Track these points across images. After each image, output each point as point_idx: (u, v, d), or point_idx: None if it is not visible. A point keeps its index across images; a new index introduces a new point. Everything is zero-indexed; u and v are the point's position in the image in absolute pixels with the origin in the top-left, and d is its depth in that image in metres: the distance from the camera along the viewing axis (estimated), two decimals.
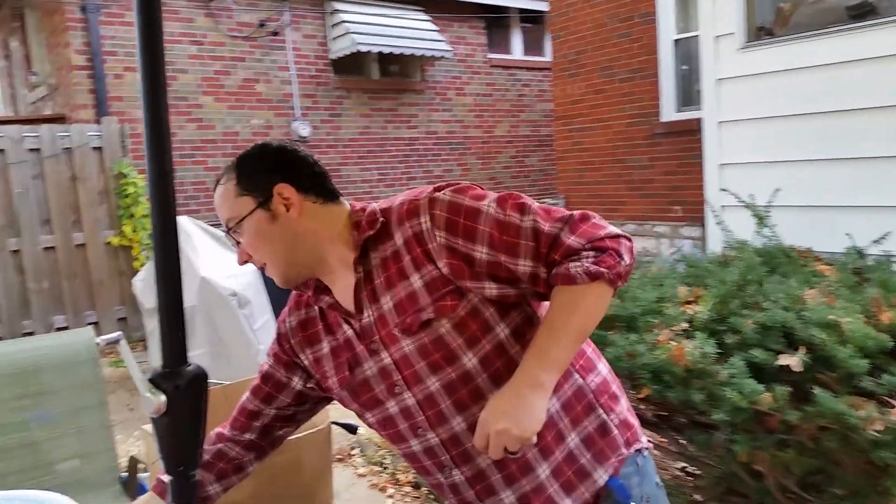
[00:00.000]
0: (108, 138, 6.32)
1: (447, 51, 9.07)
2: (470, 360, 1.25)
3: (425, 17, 9.13)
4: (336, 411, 1.63)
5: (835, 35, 3.82)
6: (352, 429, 2.01)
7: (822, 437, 1.98)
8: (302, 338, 1.42)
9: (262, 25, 8.11)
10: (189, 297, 4.20)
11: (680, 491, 2.94)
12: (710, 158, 4.37)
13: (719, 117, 4.28)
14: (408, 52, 8.66)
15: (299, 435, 1.89)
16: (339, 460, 3.57)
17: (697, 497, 2.63)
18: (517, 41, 10.50)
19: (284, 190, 1.30)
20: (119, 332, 1.30)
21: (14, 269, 5.91)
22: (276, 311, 4.48)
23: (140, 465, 2.49)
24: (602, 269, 1.17)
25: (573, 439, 1.30)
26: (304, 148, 1.38)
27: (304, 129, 8.32)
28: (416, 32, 8.88)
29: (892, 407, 1.89)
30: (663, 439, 2.82)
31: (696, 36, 5.22)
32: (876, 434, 1.84)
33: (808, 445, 2.03)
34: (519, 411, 1.13)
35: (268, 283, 4.60)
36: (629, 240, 1.23)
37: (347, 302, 1.33)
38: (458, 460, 1.30)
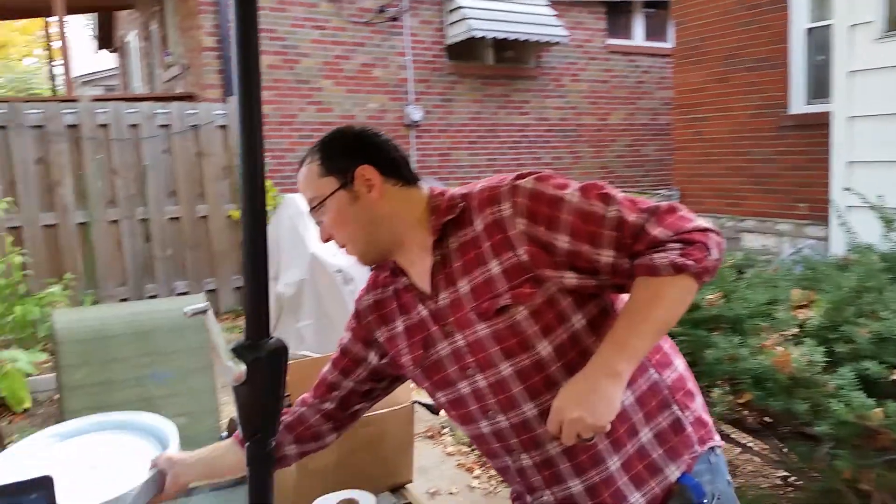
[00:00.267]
0: (233, 117, 6.64)
1: (564, 36, 8.92)
2: (545, 349, 1.24)
3: (543, 2, 9.01)
4: (420, 392, 1.66)
5: None
6: (434, 410, 2.02)
7: None
8: (377, 316, 1.45)
9: (381, 11, 8.26)
10: (300, 272, 4.37)
11: (778, 501, 2.79)
12: (837, 155, 4.08)
13: (850, 112, 3.99)
14: (522, 37, 8.57)
15: (383, 411, 1.93)
16: (430, 437, 3.63)
17: None
18: (639, 27, 10.18)
19: (366, 172, 1.31)
20: (206, 303, 1.36)
21: (141, 237, 6.35)
22: None
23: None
24: (688, 262, 1.14)
25: (646, 434, 1.28)
26: (384, 133, 1.40)
27: (416, 114, 8.44)
28: (532, 18, 8.78)
29: None
30: (765, 446, 2.69)
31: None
32: None
33: None
34: (594, 399, 1.12)
35: None
36: (718, 234, 1.19)
37: (423, 284, 1.35)
38: (528, 445, 1.30)
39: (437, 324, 1.33)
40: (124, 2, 11.02)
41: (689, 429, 1.31)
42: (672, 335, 1.38)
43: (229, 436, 2.76)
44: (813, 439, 2.23)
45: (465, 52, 8.83)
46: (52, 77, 13.48)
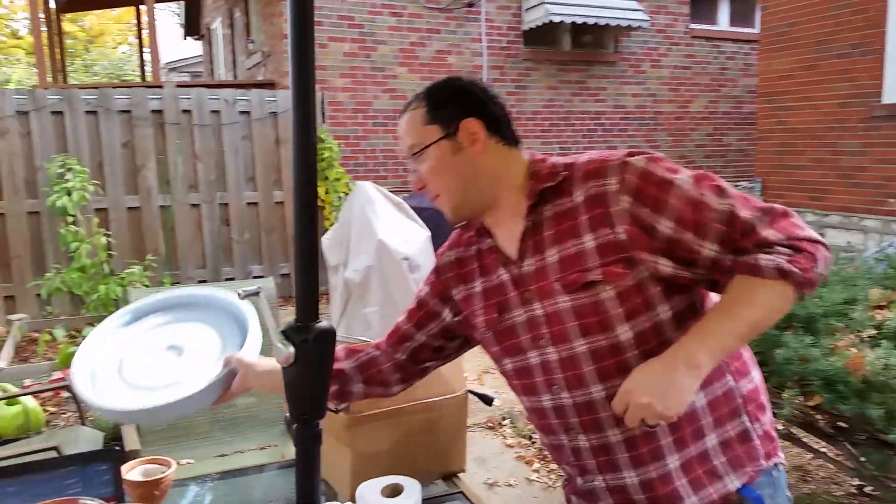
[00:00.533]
0: None
1: (644, 20, 8.69)
2: (625, 333, 1.21)
3: None
4: (474, 383, 1.66)
5: None
6: (488, 400, 2.02)
7: None
8: (456, 274, 1.45)
9: None
10: (368, 258, 4.43)
11: None
12: None
13: None
14: (602, 21, 8.40)
15: (437, 399, 1.94)
16: (490, 428, 3.63)
17: None
18: (724, 11, 9.82)
19: (472, 125, 1.30)
20: (258, 286, 1.40)
21: (220, 220, 6.57)
22: None
23: None
24: (795, 270, 1.11)
25: (711, 440, 1.25)
26: (494, 88, 1.39)
27: None
28: (612, 1, 8.58)
29: None
30: (839, 452, 2.58)
31: None
32: None
33: None
34: (668, 388, 1.10)
35: (436, 250, 4.73)
36: (827, 248, 1.16)
37: (509, 248, 1.33)
38: (588, 427, 1.28)
39: (517, 289, 1.32)
40: None
41: (757, 441, 1.28)
42: None
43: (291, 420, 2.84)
44: (890, 447, 2.13)
45: (542, 37, 8.71)
46: (142, 64, 14.05)
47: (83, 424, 2.99)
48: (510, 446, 3.50)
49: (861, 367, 2.00)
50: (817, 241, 1.15)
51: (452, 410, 1.97)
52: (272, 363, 1.54)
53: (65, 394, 3.94)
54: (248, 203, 6.64)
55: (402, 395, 1.90)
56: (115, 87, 6.69)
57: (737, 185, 7.82)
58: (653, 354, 1.17)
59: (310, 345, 1.28)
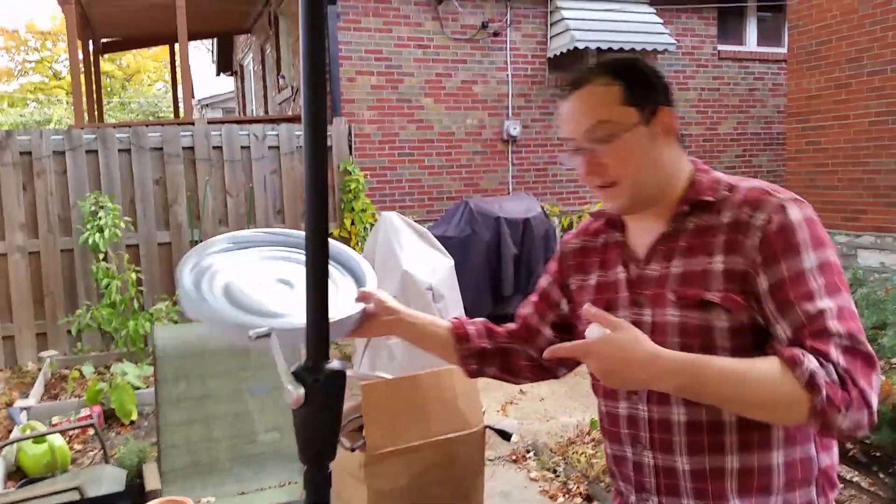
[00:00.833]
0: (337, 137, 6.86)
1: (671, 44, 8.66)
2: None
3: (650, 9, 8.79)
4: (493, 417, 1.64)
5: None
6: (506, 435, 2.00)
7: None
8: (578, 263, 1.43)
9: (484, 27, 8.30)
10: (391, 288, 4.43)
11: None
12: None
13: None
14: (627, 46, 8.38)
15: (454, 434, 1.93)
16: (513, 461, 3.57)
17: None
18: (752, 32, 9.75)
19: (669, 115, 1.25)
20: (270, 327, 1.39)
21: None
22: (467, 306, 4.58)
23: None
24: (825, 394, 1.04)
25: (776, 499, 1.21)
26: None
27: (514, 129, 8.41)
28: (638, 26, 8.57)
29: None
30: (872, 482, 2.49)
31: None
32: None
33: None
34: (622, 374, 1.07)
35: (460, 279, 4.72)
36: (871, 419, 1.09)
37: (639, 247, 1.31)
38: (657, 445, 1.25)
39: (630, 290, 1.30)
40: (242, 27, 11.63)
41: None
42: None
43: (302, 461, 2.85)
44: None
45: (569, 64, 8.73)
46: (175, 101, 14.40)
47: (107, 463, 3.02)
48: (534, 480, 3.44)
49: (891, 395, 1.94)
50: (869, 406, 1.08)
51: (470, 446, 1.95)
52: (423, 319, 1.52)
53: (91, 431, 3.99)
54: None
55: (418, 431, 1.88)
56: (147, 125, 6.86)
57: None
58: None
59: (321, 385, 1.27)
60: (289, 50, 9.32)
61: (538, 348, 1.46)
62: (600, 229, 1.40)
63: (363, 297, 1.46)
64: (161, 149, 6.34)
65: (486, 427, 1.97)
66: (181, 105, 14.02)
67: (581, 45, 8.14)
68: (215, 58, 14.86)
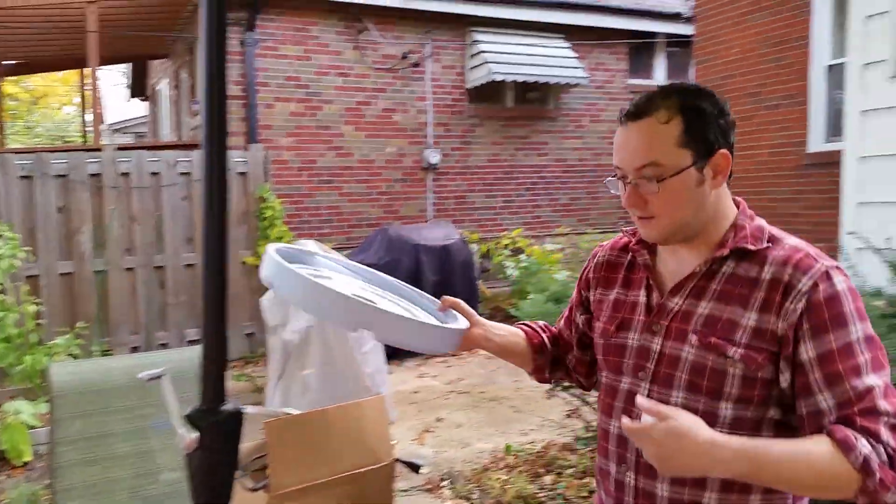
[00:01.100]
0: (253, 164, 6.73)
1: (584, 77, 8.95)
2: (726, 410, 1.19)
3: (565, 44, 9.07)
4: (402, 450, 1.62)
5: None
6: (415, 467, 1.98)
7: None
8: (602, 276, 1.44)
9: (405, 57, 8.38)
10: (308, 319, 4.35)
11: None
12: (848, 196, 4.00)
13: (862, 152, 3.91)
14: (542, 79, 8.62)
15: (362, 470, 1.89)
16: (428, 490, 3.54)
17: None
18: (660, 66, 10.18)
19: (724, 159, 1.21)
20: (163, 369, 1.35)
21: (157, 284, 6.42)
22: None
23: None
24: (877, 475, 1.06)
25: None
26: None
27: (434, 157, 8.49)
28: (553, 60, 8.83)
29: None
30: None
31: None
32: None
33: None
34: (679, 462, 1.07)
35: None
36: None
37: (666, 275, 1.30)
38: (641, 469, 1.26)
39: (648, 316, 1.29)
40: (158, 52, 11.34)
41: None
42: None
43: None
44: None
45: (487, 94, 8.90)
46: (84, 125, 13.88)
47: None
48: None
49: None
50: None
51: (379, 481, 1.92)
52: (505, 332, 1.53)
53: None
54: (186, 265, 6.51)
55: (325, 467, 1.84)
56: (52, 151, 6.57)
57: None
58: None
59: (216, 428, 1.23)
60: None
61: (575, 361, 1.54)
62: (631, 246, 1.38)
63: (451, 305, 1.50)
64: (66, 175, 6.07)
65: (396, 460, 1.95)
66: (90, 129, 13.56)
67: (498, 78, 8.32)
68: (130, 82, 14.44)
